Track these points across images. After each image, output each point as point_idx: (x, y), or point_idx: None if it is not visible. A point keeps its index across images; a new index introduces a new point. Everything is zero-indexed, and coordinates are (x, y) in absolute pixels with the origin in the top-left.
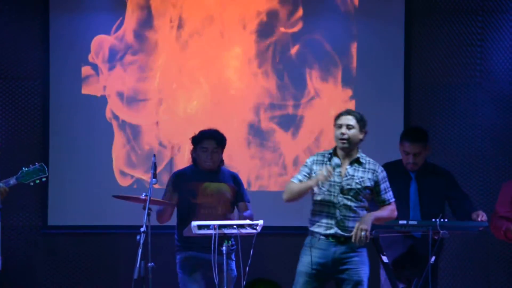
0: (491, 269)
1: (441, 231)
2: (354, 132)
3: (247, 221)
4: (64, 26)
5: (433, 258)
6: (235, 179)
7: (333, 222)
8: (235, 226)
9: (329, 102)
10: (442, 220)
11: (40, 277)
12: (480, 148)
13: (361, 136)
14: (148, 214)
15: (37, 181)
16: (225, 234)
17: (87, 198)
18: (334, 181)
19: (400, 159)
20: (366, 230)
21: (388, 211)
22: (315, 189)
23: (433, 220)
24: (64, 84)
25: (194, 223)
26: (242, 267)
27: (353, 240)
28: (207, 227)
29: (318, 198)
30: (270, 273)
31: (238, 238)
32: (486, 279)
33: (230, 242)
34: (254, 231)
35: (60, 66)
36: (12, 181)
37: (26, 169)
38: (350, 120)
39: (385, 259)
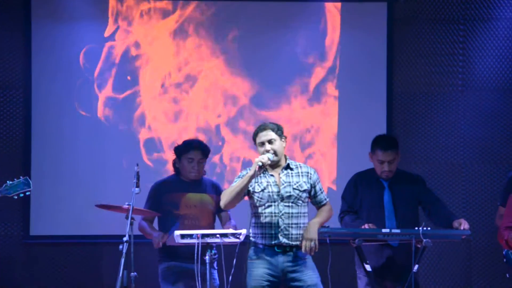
0: (473, 275)
1: (424, 240)
2: (277, 144)
3: (230, 230)
4: (46, 34)
5: (416, 267)
6: (216, 189)
7: (276, 231)
8: (218, 235)
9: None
10: (424, 228)
11: (22, 287)
12: (462, 156)
13: (284, 144)
14: (131, 224)
15: (21, 195)
16: (208, 243)
17: (70, 208)
18: (272, 191)
19: (371, 168)
20: (314, 240)
21: (326, 212)
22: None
23: (416, 228)
24: (46, 94)
25: (177, 232)
26: (225, 276)
27: (303, 250)
28: (190, 236)
29: (259, 210)
30: None
31: (221, 247)
32: (467, 285)
33: (212, 251)
34: (237, 240)
35: (42, 75)
36: None
37: (10, 182)
38: (270, 134)
39: (368, 267)
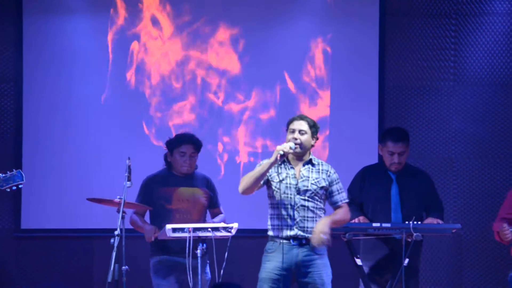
0: (464, 269)
1: (415, 234)
2: (306, 137)
3: (222, 224)
4: (38, 28)
5: (407, 260)
6: (208, 184)
7: (292, 223)
8: (209, 229)
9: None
10: (415, 222)
11: (13, 280)
12: (453, 151)
13: (312, 142)
14: (122, 217)
15: (14, 188)
16: (199, 237)
17: (61, 201)
18: (289, 183)
19: (379, 163)
20: (325, 233)
21: (342, 214)
22: (278, 156)
23: (406, 222)
24: (38, 87)
25: (169, 226)
26: (217, 270)
27: (313, 243)
28: (182, 230)
29: (274, 201)
30: (244, 276)
31: (212, 241)
32: (458, 281)
33: (204, 245)
34: (229, 234)
35: (34, 68)
36: None
37: (3, 175)
38: (303, 125)
39: (358, 261)
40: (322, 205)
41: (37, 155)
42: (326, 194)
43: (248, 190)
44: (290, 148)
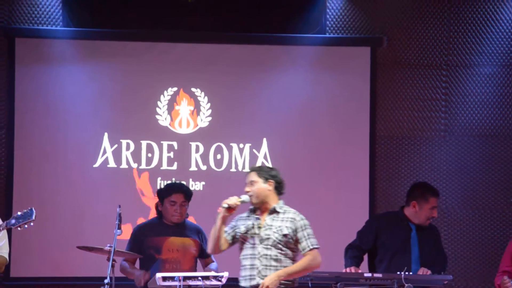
0: None
1: (406, 284)
2: (257, 186)
3: (212, 273)
4: (30, 76)
5: None
6: (199, 233)
7: (254, 273)
8: (200, 278)
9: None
10: (406, 273)
11: None
12: (444, 202)
13: (269, 187)
14: (112, 266)
15: (25, 226)
16: (190, 286)
17: (51, 249)
18: (254, 233)
19: (391, 212)
20: (266, 286)
21: (303, 262)
22: (222, 210)
23: (398, 273)
24: (30, 134)
25: (159, 274)
26: None
27: None
28: (172, 278)
29: (243, 252)
30: None
31: None
32: None
33: None
34: (219, 283)
35: (26, 116)
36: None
37: (20, 213)
38: (252, 176)
39: None
40: (289, 253)
41: (27, 203)
42: (293, 242)
43: (214, 250)
44: (238, 200)
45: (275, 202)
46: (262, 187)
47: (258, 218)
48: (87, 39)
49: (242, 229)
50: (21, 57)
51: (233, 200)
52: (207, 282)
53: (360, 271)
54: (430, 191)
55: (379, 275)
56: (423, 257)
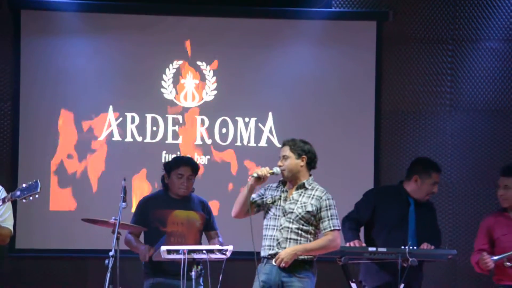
0: None
1: (410, 259)
2: (289, 161)
3: (217, 246)
4: (36, 47)
5: (402, 286)
6: (204, 207)
7: (274, 243)
8: (204, 251)
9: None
10: (410, 247)
11: None
12: (449, 176)
13: (301, 163)
14: (117, 238)
15: (30, 198)
16: (194, 259)
17: (56, 221)
18: (279, 205)
19: (390, 185)
20: (282, 260)
21: (319, 242)
22: (252, 179)
23: (402, 247)
24: (35, 107)
25: (163, 247)
26: None
27: (273, 262)
28: (177, 251)
29: (265, 222)
30: None
31: (207, 263)
32: None
33: (199, 267)
34: (223, 256)
35: (31, 88)
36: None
37: (25, 185)
38: (285, 150)
39: (354, 286)
40: (310, 229)
41: (32, 174)
42: (316, 220)
43: (238, 215)
44: (268, 172)
45: (305, 177)
46: (295, 162)
47: (285, 191)
48: (93, 12)
49: (269, 199)
50: (26, 29)
51: (264, 171)
52: (212, 256)
53: (364, 244)
54: (433, 166)
55: (383, 249)
56: (419, 232)
